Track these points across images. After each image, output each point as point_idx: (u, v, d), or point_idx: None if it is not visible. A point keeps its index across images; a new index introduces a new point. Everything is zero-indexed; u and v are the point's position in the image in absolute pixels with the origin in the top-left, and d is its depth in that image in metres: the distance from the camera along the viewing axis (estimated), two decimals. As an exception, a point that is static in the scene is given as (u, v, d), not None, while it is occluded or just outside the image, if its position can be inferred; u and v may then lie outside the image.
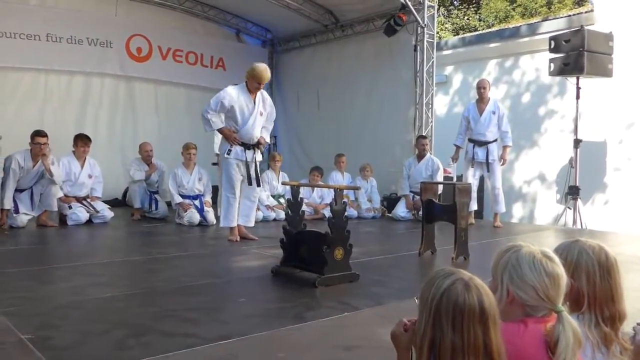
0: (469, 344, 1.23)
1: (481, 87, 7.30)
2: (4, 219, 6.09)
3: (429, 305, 1.28)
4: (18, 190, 6.31)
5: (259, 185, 5.64)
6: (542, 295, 1.41)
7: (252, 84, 5.44)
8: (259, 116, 5.53)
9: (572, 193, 8.11)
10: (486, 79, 7.81)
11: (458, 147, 7.61)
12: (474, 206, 7.35)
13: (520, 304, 1.44)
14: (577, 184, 8.07)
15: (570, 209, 8.16)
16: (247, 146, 5.50)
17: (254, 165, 5.54)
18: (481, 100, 7.32)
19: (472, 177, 7.31)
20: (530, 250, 1.46)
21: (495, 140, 7.30)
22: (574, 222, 8.02)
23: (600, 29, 8.32)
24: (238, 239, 5.52)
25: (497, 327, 1.27)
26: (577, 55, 7.66)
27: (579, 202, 8.09)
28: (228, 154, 5.42)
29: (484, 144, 7.25)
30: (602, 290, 1.60)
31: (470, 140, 7.38)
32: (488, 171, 7.29)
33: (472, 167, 7.34)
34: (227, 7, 10.41)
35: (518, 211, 10.54)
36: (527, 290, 1.43)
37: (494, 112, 7.25)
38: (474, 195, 7.34)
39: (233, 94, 5.40)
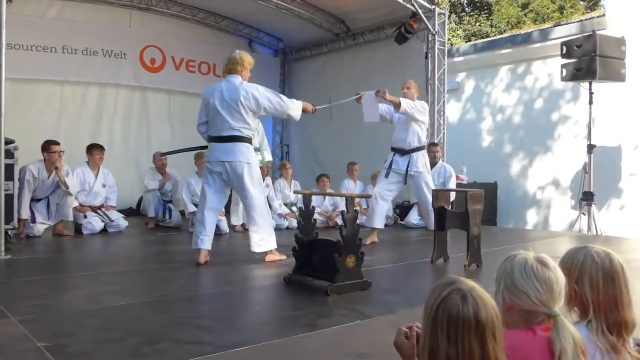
0: (463, 355, 1.22)
1: (404, 87, 6.27)
2: (21, 228, 6.18)
3: (427, 314, 1.28)
4: (35, 199, 6.42)
5: None
6: (534, 300, 1.42)
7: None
8: None
9: (586, 199, 8.05)
10: (412, 80, 6.49)
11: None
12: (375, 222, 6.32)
13: (517, 310, 1.45)
14: (592, 190, 8.02)
15: (584, 214, 8.10)
16: None
17: None
18: None
19: (385, 189, 6.29)
20: (524, 257, 1.48)
21: (419, 149, 6.28)
22: (589, 228, 7.95)
23: (613, 33, 8.28)
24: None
25: (498, 339, 1.25)
26: (590, 60, 7.63)
27: (594, 207, 8.03)
28: None
29: (405, 152, 6.26)
30: (606, 297, 1.59)
31: (391, 148, 6.41)
32: (406, 183, 6.37)
33: (386, 177, 6.31)
34: (239, 17, 10.51)
35: (532, 217, 10.47)
36: (519, 296, 1.44)
37: None
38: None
39: None
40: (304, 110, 5.06)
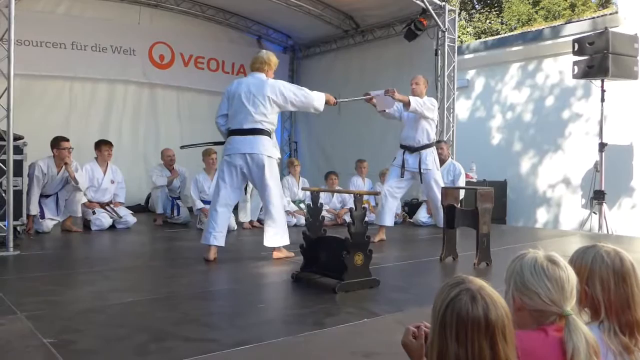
0: (473, 357, 1.19)
1: (412, 83, 6.26)
2: (30, 224, 6.21)
3: (436, 315, 1.25)
4: (44, 195, 6.45)
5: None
6: (545, 299, 1.39)
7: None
8: None
9: (597, 197, 7.98)
10: (422, 75, 6.49)
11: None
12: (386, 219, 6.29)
13: (528, 310, 1.42)
14: (603, 189, 7.94)
15: (595, 213, 8.02)
16: None
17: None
18: None
19: (394, 186, 6.30)
20: (533, 256, 1.45)
21: (428, 146, 6.29)
22: (600, 227, 7.88)
23: (625, 30, 8.19)
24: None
25: (508, 340, 1.22)
26: (602, 58, 7.55)
27: (605, 206, 7.95)
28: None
29: (414, 150, 6.26)
30: (618, 297, 1.55)
31: (400, 145, 6.41)
32: (422, 182, 6.33)
33: (401, 176, 6.27)
34: (248, 14, 10.50)
35: (542, 216, 10.39)
36: (530, 296, 1.41)
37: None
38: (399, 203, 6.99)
39: None
40: (327, 102, 5.02)
